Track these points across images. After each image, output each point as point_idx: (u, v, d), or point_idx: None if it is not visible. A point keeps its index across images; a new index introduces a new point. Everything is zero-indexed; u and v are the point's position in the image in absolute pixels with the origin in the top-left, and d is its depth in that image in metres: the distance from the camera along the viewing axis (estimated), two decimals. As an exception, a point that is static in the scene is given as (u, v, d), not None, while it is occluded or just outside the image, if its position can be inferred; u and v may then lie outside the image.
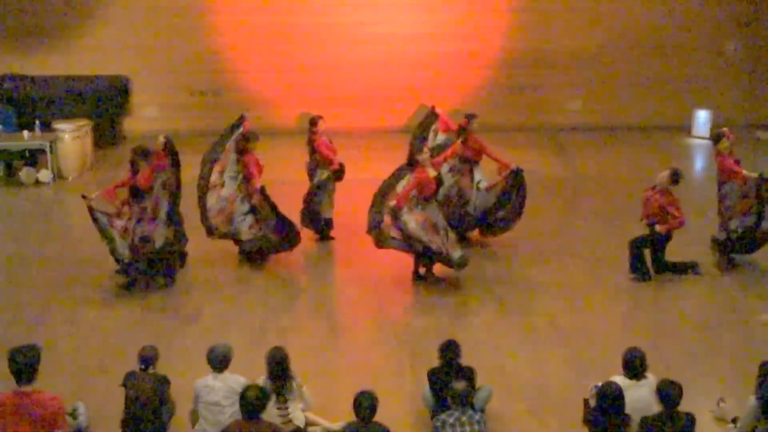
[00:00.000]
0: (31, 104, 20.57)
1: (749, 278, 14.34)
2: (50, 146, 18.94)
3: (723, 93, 22.78)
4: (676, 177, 13.86)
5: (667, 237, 14.07)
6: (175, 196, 13.94)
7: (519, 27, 22.53)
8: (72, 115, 20.26)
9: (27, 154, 19.24)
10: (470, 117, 15.48)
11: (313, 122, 15.41)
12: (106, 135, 21.42)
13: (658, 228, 13.97)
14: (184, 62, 22.21)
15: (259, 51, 22.23)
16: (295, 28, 22.16)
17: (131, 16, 22.00)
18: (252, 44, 22.23)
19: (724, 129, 14.66)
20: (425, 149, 14.02)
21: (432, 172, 13.71)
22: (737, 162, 14.32)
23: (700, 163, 20.65)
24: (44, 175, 18.97)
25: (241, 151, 14.51)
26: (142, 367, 10.06)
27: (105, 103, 21.10)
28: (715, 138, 14.46)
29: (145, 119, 22.21)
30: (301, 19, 22.15)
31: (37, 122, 19.29)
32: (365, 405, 9.00)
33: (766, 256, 15.01)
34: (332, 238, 15.80)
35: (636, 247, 14.16)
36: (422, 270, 14.14)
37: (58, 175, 19.10)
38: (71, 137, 19.13)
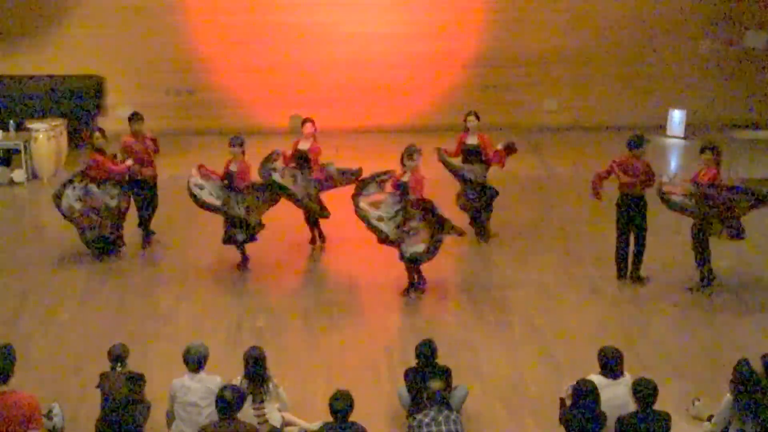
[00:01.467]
0: (5, 104, 20.44)
1: (724, 276, 14.38)
2: (24, 146, 18.84)
3: (697, 93, 22.87)
4: (628, 142, 14.09)
5: (636, 203, 14.01)
6: None
7: (494, 27, 22.54)
8: (46, 114, 20.15)
9: (1, 154, 19.15)
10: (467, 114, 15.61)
11: (302, 124, 15.24)
12: (81, 134, 21.31)
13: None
14: (158, 61, 22.13)
15: (234, 50, 22.17)
16: (270, 28, 22.12)
17: (105, 15, 21.90)
18: (226, 44, 22.17)
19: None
20: (416, 155, 13.79)
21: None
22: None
23: (674, 162, 20.71)
24: (18, 175, 18.87)
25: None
26: (113, 365, 10.03)
27: (79, 103, 21.00)
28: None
29: (119, 118, 22.04)
30: (276, 18, 22.11)
31: (11, 122, 19.18)
32: (341, 405, 9.00)
33: (738, 255, 15.10)
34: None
35: (621, 243, 14.13)
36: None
37: (33, 175, 18.99)
38: (45, 137, 19.01)
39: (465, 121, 15.56)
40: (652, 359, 11.89)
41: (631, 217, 13.89)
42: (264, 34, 22.10)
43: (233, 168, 14.32)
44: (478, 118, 15.55)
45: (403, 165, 13.65)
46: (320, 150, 15.02)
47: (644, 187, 13.86)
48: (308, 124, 15.12)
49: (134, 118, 15.27)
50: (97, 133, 14.85)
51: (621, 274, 14.21)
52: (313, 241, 15.63)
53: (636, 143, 14.01)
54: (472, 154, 15.47)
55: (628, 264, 14.17)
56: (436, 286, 14.05)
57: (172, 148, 19.58)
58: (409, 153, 13.62)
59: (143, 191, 15.23)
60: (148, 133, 15.47)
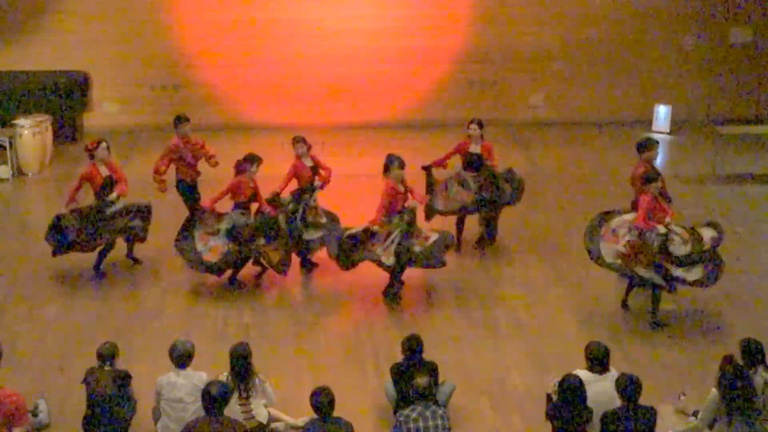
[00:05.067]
0: (-10, 100, 20.40)
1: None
2: (9, 142, 18.77)
3: (683, 89, 22.90)
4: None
5: None
6: None
7: (480, 22, 22.52)
8: (31, 110, 20.08)
9: (-14, 150, 19.12)
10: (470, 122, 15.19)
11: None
12: (66, 131, 21.24)
13: None
14: (143, 57, 22.06)
15: (220, 46, 22.11)
16: (256, 24, 22.07)
17: (90, 10, 21.82)
18: (213, 39, 22.10)
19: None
20: (397, 163, 13.66)
21: (401, 187, 13.57)
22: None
23: (659, 158, 20.72)
24: (3, 171, 18.80)
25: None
26: (101, 363, 10.02)
27: (64, 99, 20.92)
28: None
29: (105, 114, 22.05)
30: (262, 14, 22.06)
31: (-5, 118, 19.17)
32: (321, 401, 8.99)
33: (728, 250, 15.16)
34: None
35: None
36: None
37: (18, 171, 18.93)
38: (31, 133, 18.95)
39: (468, 128, 15.08)
40: (638, 354, 11.92)
41: None
42: (250, 30, 22.04)
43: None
44: (480, 126, 15.03)
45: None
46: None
47: None
48: (300, 145, 14.38)
49: (180, 121, 15.12)
50: (104, 144, 14.22)
51: None
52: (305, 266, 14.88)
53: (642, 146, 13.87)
54: (474, 163, 15.08)
55: None
56: (423, 282, 14.05)
57: (157, 144, 19.55)
58: (384, 165, 13.58)
59: (192, 193, 15.21)
60: (194, 137, 15.31)
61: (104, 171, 14.11)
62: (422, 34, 22.28)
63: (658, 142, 13.88)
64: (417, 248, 13.24)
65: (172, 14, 22.03)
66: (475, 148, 15.06)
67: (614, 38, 22.73)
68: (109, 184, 14.07)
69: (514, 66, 22.73)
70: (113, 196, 14.11)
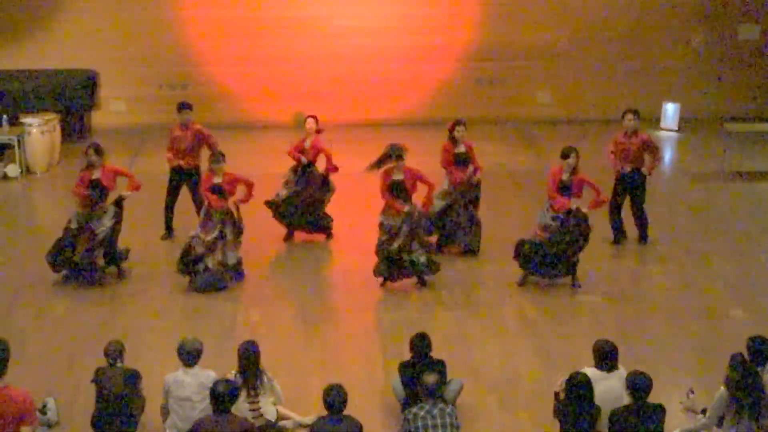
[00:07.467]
0: (-2, 98, 20.43)
1: (718, 270, 14.42)
2: (18, 140, 18.80)
3: (691, 86, 22.89)
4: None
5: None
6: None
7: (488, 20, 22.54)
8: (40, 109, 20.11)
9: (-6, 149, 19.15)
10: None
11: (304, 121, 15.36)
12: (74, 129, 21.28)
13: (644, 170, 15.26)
14: (151, 56, 22.12)
15: (227, 44, 22.16)
16: (263, 22, 22.11)
17: (99, 9, 21.89)
18: (220, 37, 22.15)
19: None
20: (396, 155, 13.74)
21: (398, 175, 13.63)
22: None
23: (668, 155, 20.73)
24: (12, 169, 18.82)
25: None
26: (110, 362, 10.03)
27: (73, 97, 20.95)
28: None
29: (113, 113, 22.11)
30: (269, 12, 22.10)
31: (4, 116, 19.14)
32: (334, 399, 8.99)
33: (736, 247, 15.14)
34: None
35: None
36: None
37: (27, 170, 18.96)
38: (39, 131, 18.98)
39: (452, 131, 14.81)
40: (646, 352, 11.90)
41: None
42: (257, 29, 22.08)
43: (218, 180, 13.80)
44: (465, 126, 14.97)
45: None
46: (320, 145, 15.07)
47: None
48: (309, 120, 15.16)
49: (181, 108, 15.34)
50: (91, 149, 13.96)
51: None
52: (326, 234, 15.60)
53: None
54: (462, 163, 14.94)
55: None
56: (430, 280, 14.03)
57: (164, 142, 19.60)
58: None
59: (187, 179, 15.36)
60: (197, 124, 15.50)
61: (96, 174, 13.94)
62: (430, 32, 22.30)
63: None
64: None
65: (180, 13, 22.08)
66: (460, 149, 14.90)
67: (622, 35, 22.73)
68: (97, 188, 13.92)
69: (522, 63, 22.74)
70: (125, 193, 14.09)
